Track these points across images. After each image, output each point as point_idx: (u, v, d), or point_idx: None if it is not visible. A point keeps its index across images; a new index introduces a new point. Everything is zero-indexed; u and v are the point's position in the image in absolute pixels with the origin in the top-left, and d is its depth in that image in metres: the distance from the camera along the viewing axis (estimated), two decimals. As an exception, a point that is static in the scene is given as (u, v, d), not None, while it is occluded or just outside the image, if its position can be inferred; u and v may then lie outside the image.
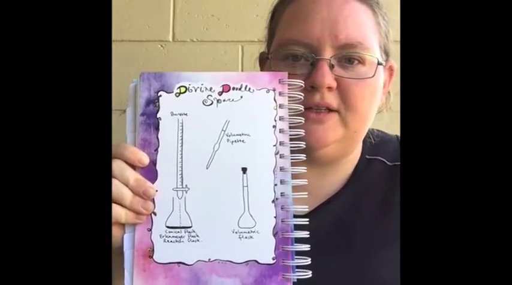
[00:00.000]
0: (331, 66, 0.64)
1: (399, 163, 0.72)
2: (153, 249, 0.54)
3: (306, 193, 0.55)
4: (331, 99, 0.64)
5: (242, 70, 1.08)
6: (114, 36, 1.08)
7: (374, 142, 0.75)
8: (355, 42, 0.64)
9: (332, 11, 0.65)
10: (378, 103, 0.69)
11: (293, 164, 0.56)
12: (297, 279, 0.54)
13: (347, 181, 0.72)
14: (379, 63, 0.66)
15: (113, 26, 0.97)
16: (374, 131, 0.77)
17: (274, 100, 0.56)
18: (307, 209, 0.56)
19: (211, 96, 0.56)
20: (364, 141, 0.74)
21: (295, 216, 0.55)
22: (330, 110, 0.64)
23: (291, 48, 0.65)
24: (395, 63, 0.73)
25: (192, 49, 1.10)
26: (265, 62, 0.72)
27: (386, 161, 0.73)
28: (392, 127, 0.99)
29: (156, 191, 0.54)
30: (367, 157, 0.74)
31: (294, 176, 0.56)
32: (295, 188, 0.55)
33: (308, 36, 0.64)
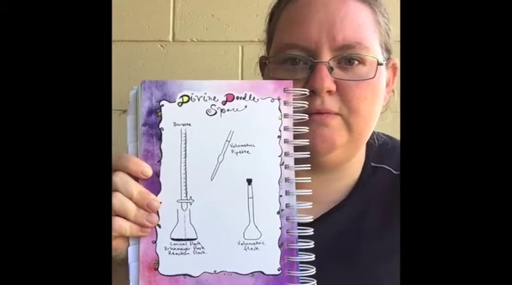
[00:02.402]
0: (330, 69, 0.62)
1: None
2: (158, 262, 0.54)
3: (311, 203, 0.55)
4: (332, 103, 0.62)
5: (242, 71, 1.08)
6: (114, 36, 1.07)
7: (380, 149, 0.73)
8: (353, 43, 0.63)
9: (329, 12, 0.63)
10: (381, 103, 0.68)
11: (297, 172, 0.55)
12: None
13: (351, 190, 0.70)
14: (379, 64, 0.64)
15: (113, 26, 0.96)
16: (380, 135, 0.75)
17: (279, 109, 0.55)
18: (311, 219, 0.55)
19: (214, 105, 0.55)
20: (369, 147, 0.72)
21: (299, 224, 0.55)
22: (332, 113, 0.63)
23: (289, 53, 0.64)
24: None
25: (192, 50, 1.09)
26: (265, 67, 0.70)
27: (392, 169, 0.71)
28: (395, 127, 0.98)
29: (160, 203, 0.54)
30: (373, 164, 0.72)
31: (298, 185, 0.55)
32: (300, 198, 0.55)
33: (306, 40, 0.63)
